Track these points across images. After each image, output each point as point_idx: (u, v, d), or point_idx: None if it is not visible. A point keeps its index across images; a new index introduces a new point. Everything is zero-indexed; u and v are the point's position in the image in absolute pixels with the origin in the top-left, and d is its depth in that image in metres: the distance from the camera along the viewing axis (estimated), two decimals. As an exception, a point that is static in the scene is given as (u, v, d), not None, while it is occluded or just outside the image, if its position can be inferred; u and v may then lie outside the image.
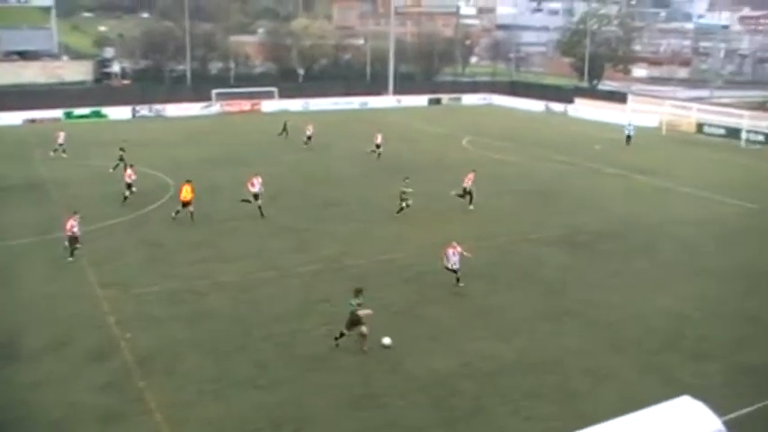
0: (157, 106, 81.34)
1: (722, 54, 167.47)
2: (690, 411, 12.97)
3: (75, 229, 31.35)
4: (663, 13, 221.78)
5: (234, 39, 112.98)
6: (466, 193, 41.09)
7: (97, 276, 29.68)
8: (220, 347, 23.50)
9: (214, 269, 30.78)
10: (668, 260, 33.84)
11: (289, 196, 43.21)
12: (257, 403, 20.14)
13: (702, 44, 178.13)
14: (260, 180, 39.03)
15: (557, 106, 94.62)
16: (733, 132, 73.70)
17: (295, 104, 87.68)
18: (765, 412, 20.38)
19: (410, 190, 39.37)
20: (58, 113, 76.02)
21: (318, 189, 45.52)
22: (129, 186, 41.10)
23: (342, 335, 23.22)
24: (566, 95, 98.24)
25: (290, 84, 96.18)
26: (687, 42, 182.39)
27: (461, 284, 28.82)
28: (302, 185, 46.58)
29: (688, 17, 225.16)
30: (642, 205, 44.00)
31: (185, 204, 37.27)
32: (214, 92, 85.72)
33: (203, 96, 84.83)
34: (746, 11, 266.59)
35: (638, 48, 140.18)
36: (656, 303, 28.28)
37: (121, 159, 48.39)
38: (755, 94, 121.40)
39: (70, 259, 31.29)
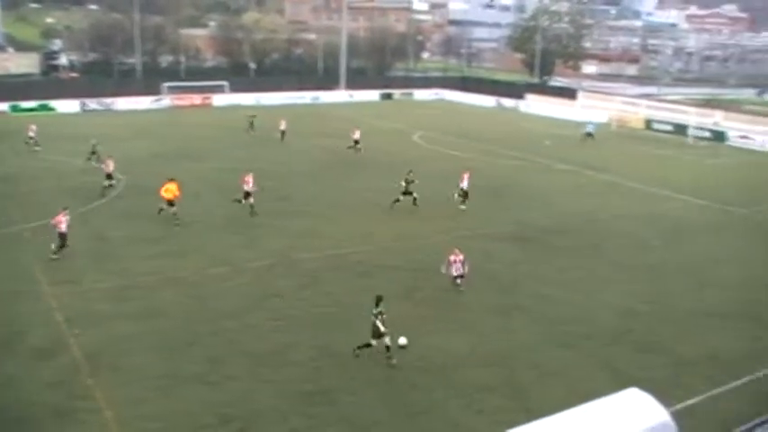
0: (107, 100, 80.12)
1: (670, 52, 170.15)
2: (638, 403, 13.14)
3: (63, 226, 30.75)
4: (613, 11, 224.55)
5: (184, 32, 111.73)
6: (465, 193, 40.80)
7: (45, 273, 29.18)
8: (170, 344, 23.29)
9: (164, 265, 30.47)
10: (617, 255, 34.29)
11: (237, 191, 42.87)
12: (207, 399, 20.00)
13: (651, 42, 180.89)
14: (252, 178, 38.45)
15: (508, 102, 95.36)
16: (680, 129, 75.02)
17: (247, 99, 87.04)
18: (710, 402, 20.83)
19: (416, 182, 39.83)
20: (3, 107, 74.45)
21: (271, 184, 45.19)
22: (108, 176, 41.40)
23: (367, 345, 22.44)
24: (517, 91, 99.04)
25: (241, 78, 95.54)
26: (636, 40, 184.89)
27: (461, 287, 28.42)
28: (256, 180, 46.19)
29: (637, 15, 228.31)
30: (592, 201, 44.53)
31: (171, 203, 36.27)
32: (164, 85, 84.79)
33: (153, 90, 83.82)
34: (693, 9, 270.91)
35: (588, 44, 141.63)
36: (604, 298, 28.67)
37: (93, 152, 48.58)
38: (702, 92, 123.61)
39: (54, 257, 30.65)
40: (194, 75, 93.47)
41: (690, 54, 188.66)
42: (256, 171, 47.09)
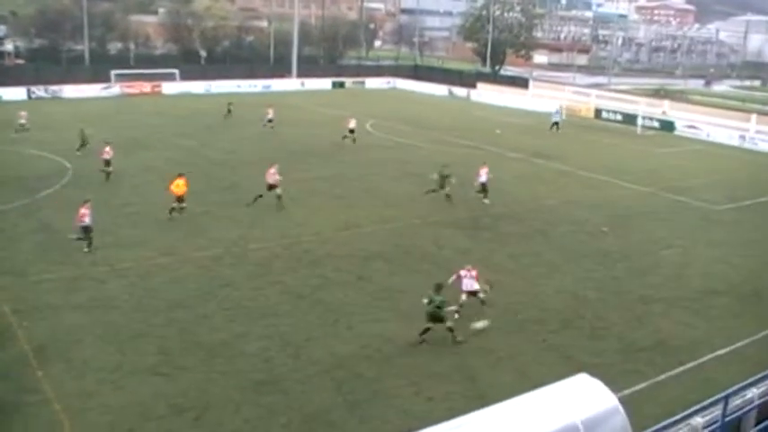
0: (54, 87, 78.64)
1: (620, 42, 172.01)
2: (587, 388, 13.30)
3: (87, 219, 30.14)
4: (563, 1, 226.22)
5: (134, 18, 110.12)
6: (483, 187, 40.50)
7: (-10, 264, 28.71)
8: (120, 335, 23.06)
9: (113, 255, 30.10)
10: (566, 242, 34.72)
11: (191, 180, 42.43)
12: (159, 391, 19.87)
13: (601, 32, 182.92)
14: (275, 169, 37.85)
15: (460, 91, 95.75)
16: (629, 118, 75.99)
17: (197, 87, 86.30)
18: (657, 387, 21.23)
19: (453, 180, 39.56)
20: (-55, 93, 72.98)
21: (221, 173, 44.95)
22: (107, 163, 41.80)
23: (426, 330, 23.00)
24: (468, 80, 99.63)
25: (191, 66, 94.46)
26: (586, 30, 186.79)
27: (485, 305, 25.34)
28: (205, 169, 45.83)
29: (587, 6, 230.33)
30: (543, 189, 44.96)
31: (180, 199, 35.48)
32: (113, 73, 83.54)
33: (102, 77, 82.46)
34: (643, 1, 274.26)
35: (539, 34, 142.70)
36: (554, 284, 29.01)
37: (83, 142, 48.47)
38: (651, 82, 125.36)
39: (86, 250, 30.09)
40: (144, 62, 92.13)
41: (639, 45, 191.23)
42: (204, 160, 46.86)
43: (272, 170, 37.83)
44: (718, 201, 44.25)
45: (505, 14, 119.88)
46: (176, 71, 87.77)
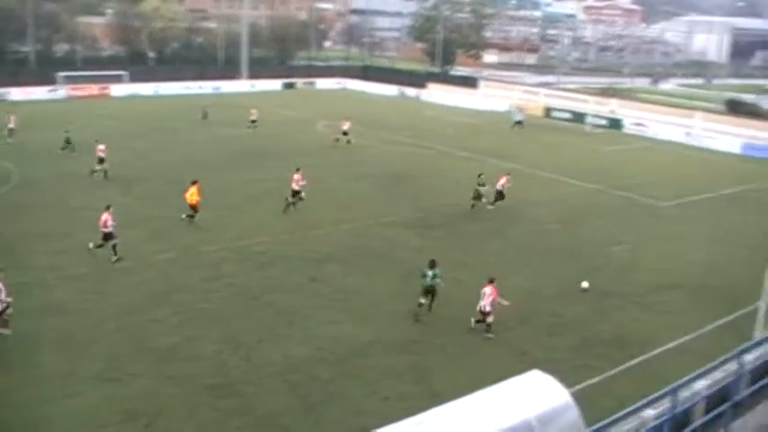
0: (-1, 89, 77.40)
1: (568, 42, 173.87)
2: (539, 385, 13.38)
3: (110, 224, 29.67)
4: (513, 1, 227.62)
5: (81, 19, 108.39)
6: (500, 194, 40.48)
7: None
8: (71, 341, 22.74)
9: (64, 261, 29.65)
10: (520, 240, 35.04)
11: (142, 183, 42.17)
12: (111, 397, 19.63)
13: (550, 32, 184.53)
14: (301, 175, 37.47)
15: (410, 91, 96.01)
16: (578, 117, 76.88)
17: (146, 89, 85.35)
18: (609, 382, 21.62)
19: (486, 187, 39.52)
20: None
21: (173, 175, 44.43)
22: (100, 161, 43.04)
23: (420, 304, 25.09)
24: (419, 80, 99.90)
25: (140, 67, 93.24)
26: (535, 30, 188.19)
27: (490, 335, 24.56)
28: (157, 172, 45.38)
29: (536, 5, 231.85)
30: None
31: (193, 207, 34.99)
32: (60, 75, 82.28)
33: (48, 80, 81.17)
34: (590, 1, 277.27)
35: (489, 34, 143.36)
36: (510, 282, 29.10)
37: (68, 142, 49.22)
38: (599, 81, 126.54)
39: (115, 258, 29.60)
40: (91, 64, 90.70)
41: (587, 44, 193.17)
42: (158, 162, 46.36)
43: (297, 176, 37.38)
44: (665, 197, 44.97)
45: (455, 15, 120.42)
46: (125, 73, 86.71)
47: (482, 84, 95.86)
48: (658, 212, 41.99)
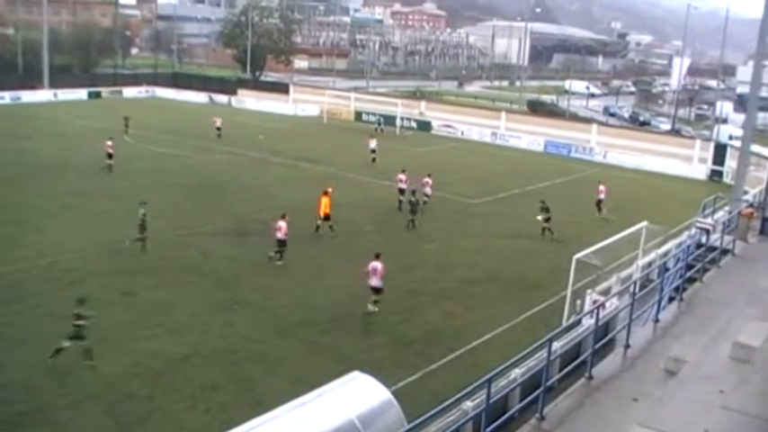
0: None
1: (377, 46, 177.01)
2: (360, 385, 13.42)
3: (282, 233, 31.29)
4: (321, 7, 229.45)
5: None
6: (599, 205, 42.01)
7: None
8: None
9: None
10: (334, 242, 35.10)
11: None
12: None
13: (359, 37, 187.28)
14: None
15: (220, 98, 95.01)
16: (389, 120, 78.14)
17: (-64, 100, 79.93)
18: (429, 377, 22.04)
19: (541, 217, 37.86)
20: None
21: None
22: (109, 156, 47.32)
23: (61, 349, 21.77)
24: (229, 87, 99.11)
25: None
26: (345, 35, 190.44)
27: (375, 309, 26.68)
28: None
29: (345, 11, 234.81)
30: (309, 192, 45.08)
31: (326, 218, 34.59)
32: None
33: None
34: (397, 6, 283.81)
35: (298, 40, 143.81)
36: (324, 285, 29.30)
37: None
38: (408, 84, 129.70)
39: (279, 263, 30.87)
40: None
41: (395, 49, 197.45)
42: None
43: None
44: (475, 195, 46.49)
45: (264, 20, 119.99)
46: None
47: (293, 89, 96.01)
48: (469, 210, 43.32)
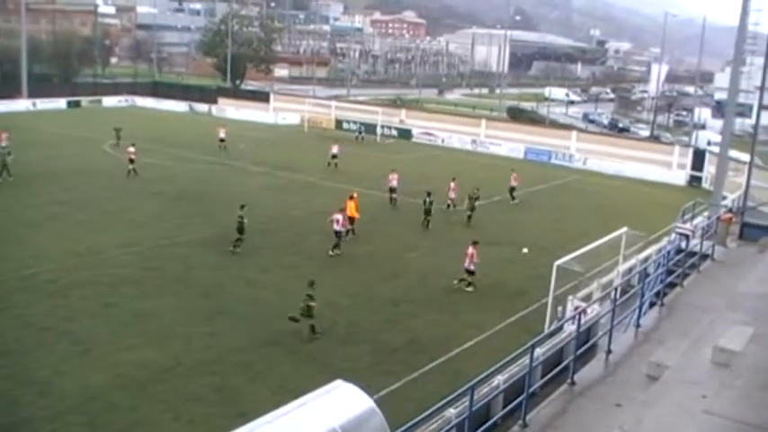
0: None
1: (357, 55, 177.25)
2: (343, 394, 13.39)
3: (339, 225, 33.80)
4: (301, 16, 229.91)
5: None
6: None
7: None
8: None
9: None
10: (317, 251, 35.01)
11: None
12: None
13: (339, 45, 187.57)
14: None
15: (201, 107, 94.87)
16: (369, 128, 78.24)
17: None
18: (411, 385, 22.01)
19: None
20: None
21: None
22: (131, 161, 49.37)
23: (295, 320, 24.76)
24: (209, 96, 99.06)
25: None
26: (325, 44, 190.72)
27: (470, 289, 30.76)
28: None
29: (325, 20, 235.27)
30: (290, 200, 45.30)
31: (352, 221, 35.59)
32: None
33: None
34: (377, 15, 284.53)
35: (279, 48, 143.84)
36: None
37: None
38: (388, 92, 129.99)
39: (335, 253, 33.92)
40: None
41: (375, 57, 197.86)
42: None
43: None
44: (456, 202, 46.40)
45: (244, 29, 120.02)
46: None
47: (273, 98, 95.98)
48: (451, 217, 43.42)
